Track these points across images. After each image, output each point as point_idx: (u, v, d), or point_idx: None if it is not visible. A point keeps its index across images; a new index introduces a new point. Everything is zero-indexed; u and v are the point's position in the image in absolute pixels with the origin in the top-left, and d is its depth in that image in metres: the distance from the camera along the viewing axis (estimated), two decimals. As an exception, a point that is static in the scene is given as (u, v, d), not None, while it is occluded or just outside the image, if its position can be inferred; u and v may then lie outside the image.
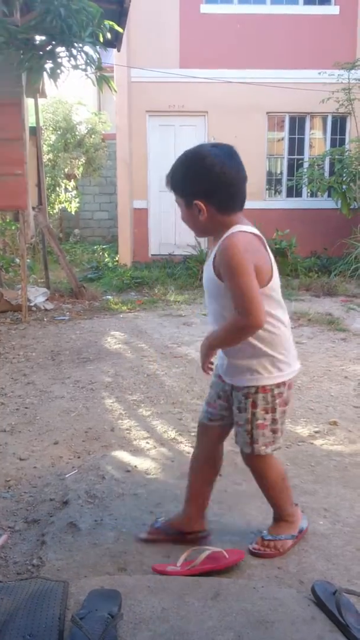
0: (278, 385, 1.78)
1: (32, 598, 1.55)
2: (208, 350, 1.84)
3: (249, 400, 1.79)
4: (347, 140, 9.39)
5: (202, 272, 6.87)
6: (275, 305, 1.77)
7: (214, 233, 1.75)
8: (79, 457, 2.67)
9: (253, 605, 1.55)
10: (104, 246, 11.01)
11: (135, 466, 2.57)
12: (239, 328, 1.68)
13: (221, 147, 1.71)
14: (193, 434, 2.94)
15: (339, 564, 1.86)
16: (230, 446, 2.76)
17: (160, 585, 1.63)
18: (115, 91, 5.52)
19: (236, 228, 1.69)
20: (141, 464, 2.60)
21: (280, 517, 1.95)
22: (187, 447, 2.78)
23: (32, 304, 5.98)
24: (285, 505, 1.94)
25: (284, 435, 2.82)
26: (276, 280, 1.77)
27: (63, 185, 10.69)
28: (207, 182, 1.67)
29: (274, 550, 1.88)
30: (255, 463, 1.89)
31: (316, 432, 2.99)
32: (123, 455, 2.69)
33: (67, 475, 2.48)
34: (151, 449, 2.77)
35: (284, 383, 1.80)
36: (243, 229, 1.69)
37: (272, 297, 1.76)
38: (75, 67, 4.57)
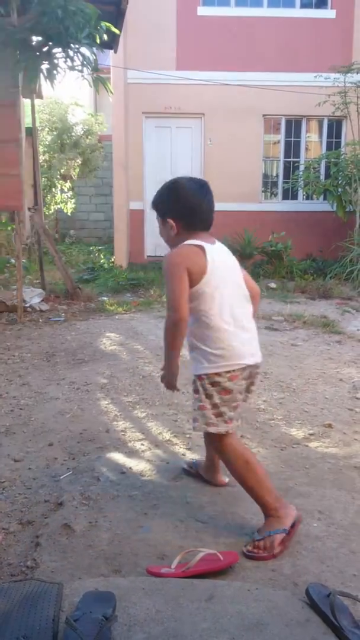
0: (210, 375, 2.01)
1: (26, 600, 1.54)
2: (167, 367, 2.15)
3: (193, 385, 2.10)
4: (342, 144, 9.43)
5: None
6: (209, 302, 2.01)
7: None
8: (73, 459, 2.67)
9: (247, 607, 1.55)
10: (99, 247, 11.01)
11: (130, 468, 2.57)
12: (168, 323, 2.02)
13: (195, 181, 2.14)
14: (188, 435, 2.94)
15: (333, 566, 1.87)
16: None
17: (154, 587, 1.63)
18: (112, 93, 5.52)
19: (185, 242, 2.03)
20: (136, 465, 2.60)
21: (266, 512, 2.00)
22: (182, 449, 2.78)
23: (27, 305, 5.96)
24: (264, 496, 2.00)
25: (280, 437, 2.83)
26: (212, 280, 1.99)
27: (59, 186, 10.69)
28: (179, 206, 2.07)
29: (266, 550, 1.90)
30: (213, 441, 2.13)
31: (311, 434, 3.00)
32: (118, 457, 2.69)
33: (61, 477, 2.47)
34: (146, 451, 2.77)
35: (218, 374, 2.01)
36: (189, 242, 2.03)
37: (205, 296, 2.00)
38: (72, 68, 4.56)
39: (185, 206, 2.07)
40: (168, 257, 2.01)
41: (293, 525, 1.97)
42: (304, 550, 1.95)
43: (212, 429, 2.02)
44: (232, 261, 2.12)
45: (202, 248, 2.00)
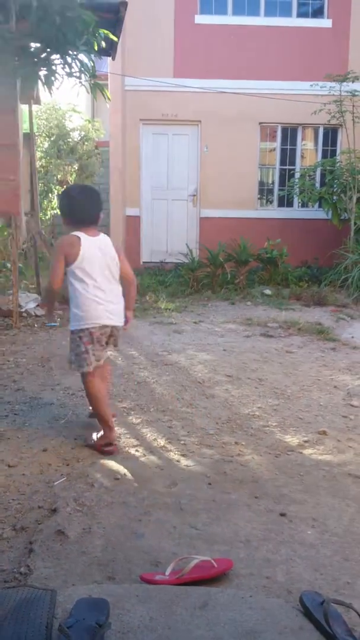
0: (75, 331, 2.80)
1: (20, 606, 1.53)
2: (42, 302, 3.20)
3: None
4: (338, 152, 9.47)
5: (193, 280, 7.01)
6: (80, 278, 2.77)
7: None
8: (68, 465, 2.66)
9: (241, 615, 1.55)
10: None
11: (125, 474, 2.57)
12: (47, 285, 2.87)
13: (80, 188, 3.15)
14: (183, 442, 2.94)
15: (327, 574, 1.87)
16: (218, 455, 2.77)
17: (148, 595, 1.62)
18: (109, 99, 5.54)
19: (70, 234, 2.79)
20: (130, 471, 2.60)
21: (103, 428, 2.88)
22: (176, 455, 2.78)
23: (22, 310, 5.95)
24: (105, 421, 2.85)
25: (275, 444, 2.84)
26: (82, 262, 2.74)
27: (56, 191, 10.67)
28: (64, 207, 2.90)
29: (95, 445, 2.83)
30: (82, 379, 2.91)
31: (305, 441, 3.00)
32: (112, 463, 2.69)
33: (55, 483, 2.47)
34: (140, 457, 2.77)
35: (81, 330, 2.78)
36: (73, 233, 2.79)
37: (76, 273, 2.76)
38: (70, 74, 4.57)
39: (67, 207, 2.87)
40: (57, 241, 2.81)
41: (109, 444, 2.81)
42: (298, 558, 1.95)
43: (75, 368, 2.83)
44: (107, 250, 2.83)
45: (78, 238, 2.76)
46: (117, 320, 2.88)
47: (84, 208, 2.83)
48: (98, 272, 2.78)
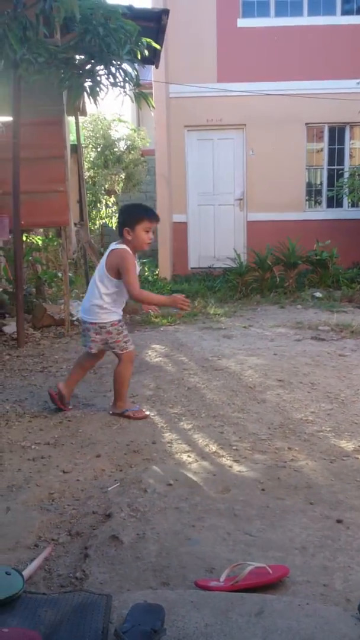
0: None
1: (76, 611, 1.55)
2: None
3: None
4: (388, 149, 9.26)
5: (242, 284, 7.07)
6: None
7: None
8: (121, 470, 2.68)
9: (298, 623, 1.51)
10: (144, 260, 11.10)
11: (177, 480, 2.56)
12: None
13: None
14: (235, 447, 2.91)
15: (388, 582, 1.80)
16: (271, 460, 2.73)
17: (203, 601, 1.61)
18: (154, 107, 5.59)
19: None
20: (183, 477, 2.59)
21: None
22: (228, 461, 2.75)
23: (74, 319, 6.05)
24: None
25: (329, 449, 2.78)
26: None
27: (104, 201, 10.86)
28: None
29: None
30: None
31: (361, 446, 2.92)
32: (165, 469, 2.69)
33: (109, 488, 2.48)
34: (192, 463, 2.76)
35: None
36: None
37: None
38: (114, 84, 4.63)
39: None
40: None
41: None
42: (356, 565, 1.89)
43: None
44: (105, 256, 3.33)
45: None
46: (82, 314, 3.46)
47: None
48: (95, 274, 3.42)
